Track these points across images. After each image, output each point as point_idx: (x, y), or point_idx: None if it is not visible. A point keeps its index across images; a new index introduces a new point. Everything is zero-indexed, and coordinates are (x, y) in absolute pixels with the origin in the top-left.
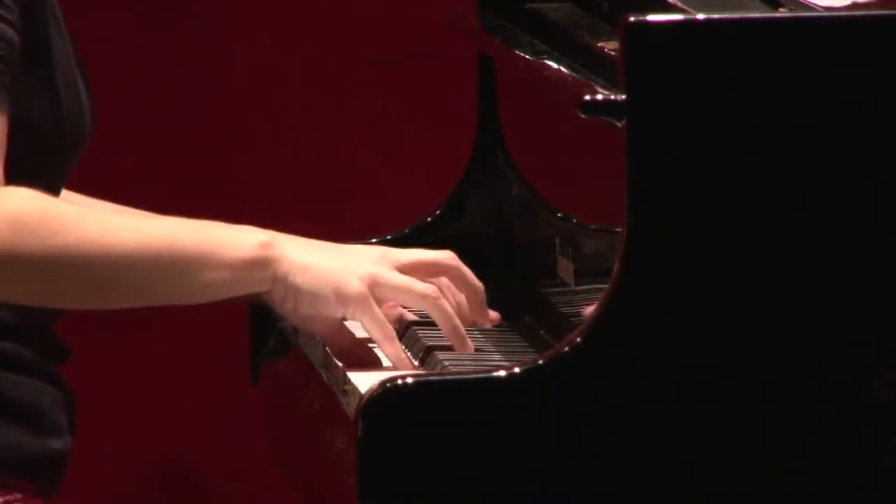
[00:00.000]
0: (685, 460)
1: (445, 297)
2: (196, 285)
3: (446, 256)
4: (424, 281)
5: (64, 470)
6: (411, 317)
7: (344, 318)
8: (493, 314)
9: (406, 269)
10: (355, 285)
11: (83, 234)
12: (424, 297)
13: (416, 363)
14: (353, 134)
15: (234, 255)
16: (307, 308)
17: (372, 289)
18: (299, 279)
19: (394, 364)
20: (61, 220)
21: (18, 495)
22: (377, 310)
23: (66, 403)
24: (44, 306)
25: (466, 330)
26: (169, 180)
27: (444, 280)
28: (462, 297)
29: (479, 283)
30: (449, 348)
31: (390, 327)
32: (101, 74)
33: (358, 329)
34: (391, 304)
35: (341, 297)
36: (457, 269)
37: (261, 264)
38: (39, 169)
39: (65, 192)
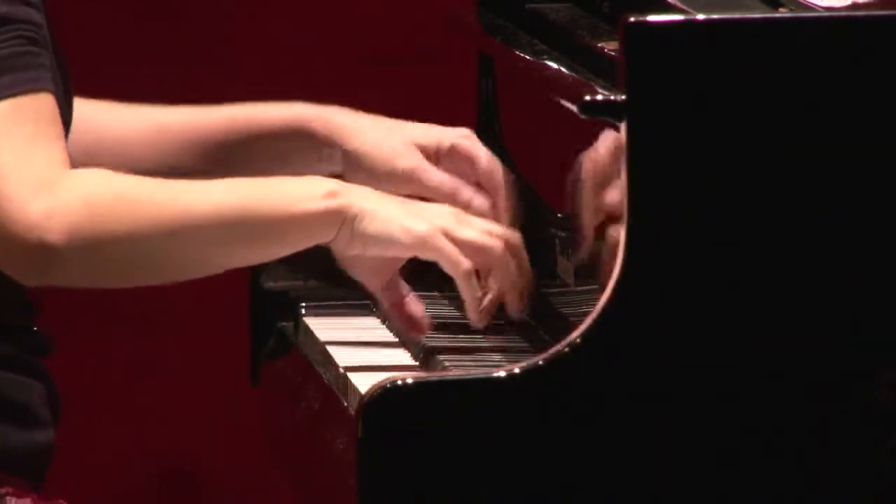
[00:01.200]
0: (685, 460)
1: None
2: (271, 246)
3: (513, 234)
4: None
5: (49, 463)
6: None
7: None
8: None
9: (484, 232)
10: (423, 224)
11: (155, 208)
12: (491, 252)
13: (484, 304)
14: None
15: (304, 211)
16: (376, 250)
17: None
18: (367, 223)
19: (468, 304)
20: (135, 197)
21: (10, 488)
22: (449, 245)
23: (49, 397)
24: (130, 285)
25: (465, 335)
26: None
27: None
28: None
29: (529, 270)
30: (449, 349)
31: (466, 262)
32: (101, 74)
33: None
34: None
35: (409, 233)
36: (518, 248)
37: (331, 215)
38: None
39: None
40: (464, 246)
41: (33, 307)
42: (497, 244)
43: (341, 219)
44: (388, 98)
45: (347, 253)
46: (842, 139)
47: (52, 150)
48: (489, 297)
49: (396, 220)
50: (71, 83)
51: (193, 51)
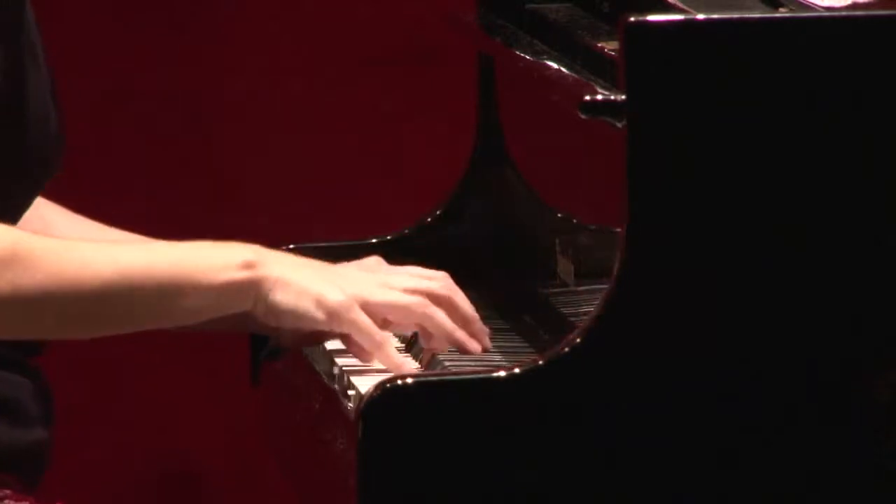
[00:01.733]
0: (685, 460)
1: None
2: (177, 311)
3: (438, 284)
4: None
5: (45, 462)
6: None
7: (330, 336)
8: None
9: (401, 290)
10: (337, 295)
11: (57, 270)
12: (411, 309)
13: (417, 365)
14: (353, 134)
15: (215, 279)
16: (291, 323)
17: (359, 306)
18: (280, 295)
19: (392, 371)
20: (32, 256)
21: (8, 491)
22: (363, 317)
23: (42, 395)
24: (24, 340)
25: None
26: (168, 180)
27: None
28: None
29: (473, 314)
30: (448, 349)
31: (380, 334)
32: (102, 74)
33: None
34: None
35: (322, 306)
36: (448, 298)
37: (244, 287)
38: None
39: (42, 201)
40: (382, 309)
41: None
42: (415, 300)
43: (255, 291)
44: (388, 98)
45: (270, 325)
46: (842, 139)
47: None
48: (424, 357)
49: (310, 292)
50: (62, 124)
51: (193, 50)
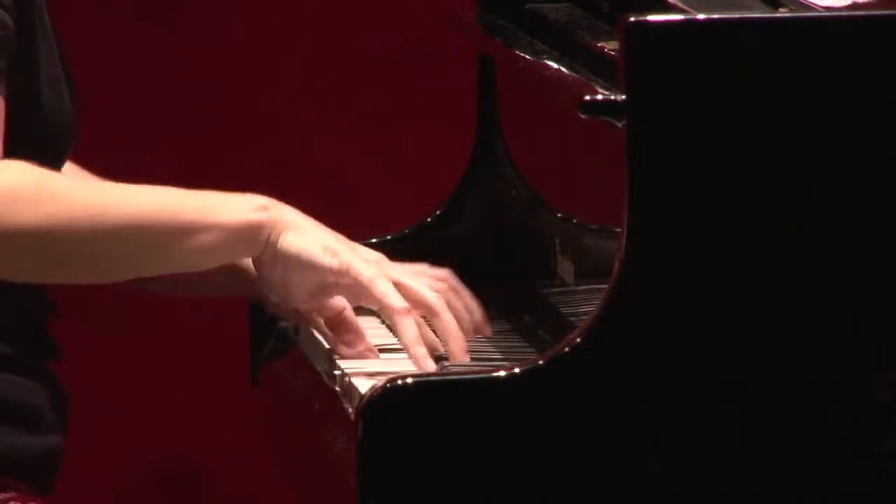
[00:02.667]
0: (685, 460)
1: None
2: (190, 250)
3: (443, 278)
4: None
5: (58, 467)
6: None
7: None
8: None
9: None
10: (350, 252)
11: (74, 203)
12: (412, 292)
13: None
14: (353, 134)
15: (229, 217)
16: (295, 271)
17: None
18: (290, 237)
19: (386, 304)
20: (53, 189)
21: (13, 493)
22: (371, 268)
23: (57, 401)
24: (41, 280)
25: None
26: (168, 180)
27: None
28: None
29: (475, 305)
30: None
31: (398, 298)
32: (102, 74)
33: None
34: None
35: (330, 251)
36: (454, 289)
37: (256, 227)
38: None
39: (68, 167)
40: (398, 279)
41: (55, 307)
42: (437, 275)
43: (266, 232)
44: (388, 98)
45: (271, 273)
46: (842, 139)
47: None
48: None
49: (320, 239)
50: (75, 92)
51: (193, 50)
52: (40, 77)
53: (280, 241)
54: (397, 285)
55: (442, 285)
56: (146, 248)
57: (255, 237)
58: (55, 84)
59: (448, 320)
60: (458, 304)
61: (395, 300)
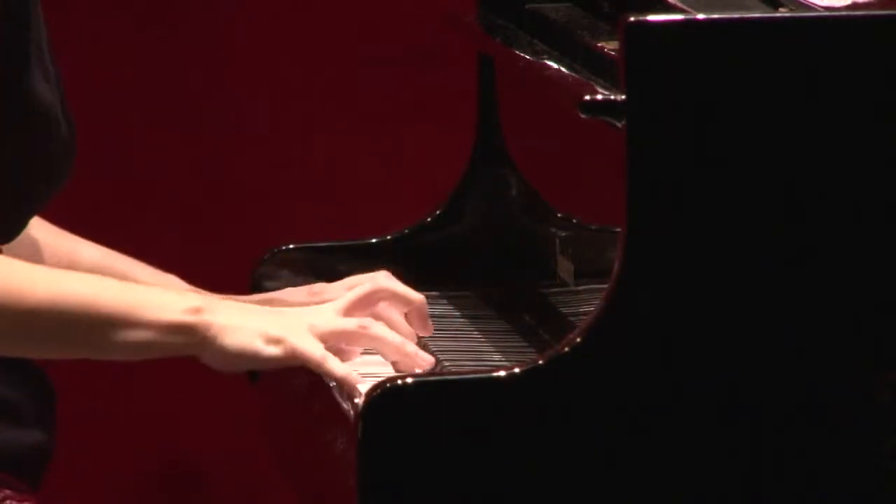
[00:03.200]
0: (685, 460)
1: (380, 320)
2: (115, 344)
3: (373, 283)
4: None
5: (46, 462)
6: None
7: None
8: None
9: (342, 314)
10: (281, 328)
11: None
12: (353, 334)
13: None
14: (353, 134)
15: (157, 316)
16: (244, 365)
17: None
18: (228, 340)
19: (342, 380)
20: None
21: (8, 491)
22: (309, 338)
23: (45, 397)
24: None
25: (465, 335)
26: (168, 181)
27: (381, 306)
28: (399, 317)
29: (417, 296)
30: (449, 349)
31: (321, 348)
32: (102, 74)
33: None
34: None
35: (272, 339)
36: (388, 290)
37: (187, 330)
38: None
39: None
40: (329, 337)
41: None
42: (367, 286)
43: (200, 336)
44: (388, 98)
45: (227, 371)
46: (842, 139)
47: None
48: (394, 340)
49: (260, 332)
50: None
51: (193, 51)
52: (31, 119)
53: (219, 344)
54: (330, 335)
55: (380, 304)
56: (68, 336)
57: (187, 339)
58: (52, 122)
59: (386, 336)
60: (391, 315)
61: (347, 375)
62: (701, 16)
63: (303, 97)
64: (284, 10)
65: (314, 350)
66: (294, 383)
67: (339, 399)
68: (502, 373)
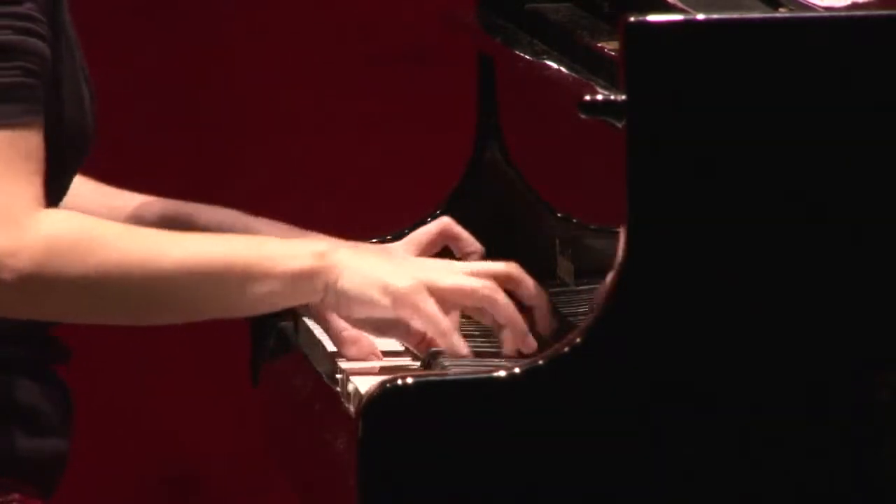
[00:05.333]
0: (684, 460)
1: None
2: (248, 299)
3: (508, 266)
4: None
5: (62, 470)
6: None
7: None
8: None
9: (470, 275)
10: (403, 280)
11: (125, 251)
12: (478, 292)
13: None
14: (353, 134)
15: (287, 266)
16: (358, 311)
17: (426, 291)
18: (348, 283)
19: (459, 355)
20: (100, 239)
21: (16, 495)
22: (429, 303)
23: (63, 404)
24: (87, 323)
25: (465, 335)
26: (168, 181)
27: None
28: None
29: (542, 293)
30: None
31: (446, 321)
32: (102, 75)
33: None
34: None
35: (388, 292)
36: (518, 277)
37: (313, 275)
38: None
39: (82, 180)
40: (449, 294)
41: None
42: (481, 283)
43: (324, 279)
44: (388, 98)
45: (341, 314)
46: (842, 139)
47: (22, 187)
48: (515, 312)
49: (376, 278)
50: (94, 100)
51: (193, 51)
52: (62, 90)
53: (338, 285)
54: (450, 291)
55: (484, 281)
56: (199, 297)
57: (312, 285)
58: (76, 95)
59: (506, 304)
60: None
61: (455, 339)
62: (701, 16)
63: (303, 97)
64: (284, 10)
65: (425, 307)
66: (295, 383)
67: (340, 399)
68: (502, 373)
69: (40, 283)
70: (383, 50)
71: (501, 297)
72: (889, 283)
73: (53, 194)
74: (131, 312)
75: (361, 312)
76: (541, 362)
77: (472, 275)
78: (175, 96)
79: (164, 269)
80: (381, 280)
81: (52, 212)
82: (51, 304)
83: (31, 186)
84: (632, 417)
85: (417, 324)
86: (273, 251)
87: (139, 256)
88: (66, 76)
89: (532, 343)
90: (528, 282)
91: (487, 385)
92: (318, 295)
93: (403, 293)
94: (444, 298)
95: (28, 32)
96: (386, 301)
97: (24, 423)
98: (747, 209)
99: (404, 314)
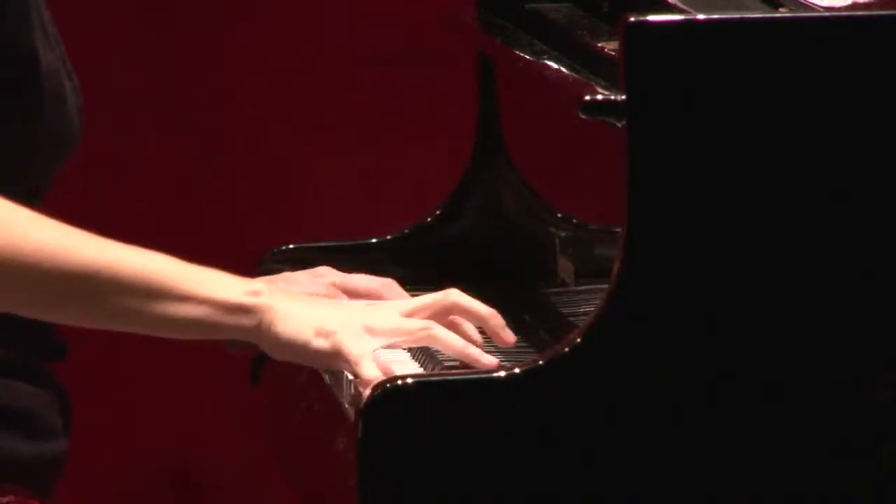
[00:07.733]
0: (684, 461)
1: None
2: (167, 317)
3: (445, 296)
4: None
5: (61, 471)
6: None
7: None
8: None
9: (405, 315)
10: (340, 326)
11: (39, 238)
12: (415, 334)
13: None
14: (353, 134)
15: (213, 293)
16: (293, 356)
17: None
18: (280, 326)
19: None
20: (13, 221)
21: (12, 497)
22: (359, 337)
23: (60, 405)
24: (45, 343)
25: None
26: (168, 181)
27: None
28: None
29: (488, 310)
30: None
31: (372, 369)
32: (102, 75)
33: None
34: None
35: (322, 332)
36: (458, 304)
37: (246, 311)
38: (18, 175)
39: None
40: (389, 336)
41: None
42: (417, 326)
43: (258, 319)
44: (388, 98)
45: (278, 358)
46: (842, 139)
47: None
48: (457, 340)
49: (312, 324)
50: (79, 96)
51: (192, 50)
52: (41, 91)
53: (273, 330)
54: (390, 332)
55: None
56: (111, 303)
57: (246, 320)
58: (56, 91)
59: (447, 337)
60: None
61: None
62: (701, 16)
63: (302, 97)
64: (284, 10)
65: (355, 350)
66: (295, 383)
67: (340, 399)
68: (502, 373)
69: None
70: (383, 50)
71: (441, 334)
72: (889, 284)
73: (30, 192)
74: (35, 305)
75: (297, 358)
76: (541, 362)
77: (410, 314)
78: (174, 95)
79: (82, 266)
80: (318, 324)
81: None
82: None
83: None
84: (632, 417)
85: (353, 370)
86: (201, 275)
87: (52, 247)
88: (45, 72)
89: (509, 338)
90: (472, 305)
91: (487, 385)
92: (252, 334)
93: (340, 339)
94: (381, 338)
95: None
96: (321, 345)
97: (23, 426)
98: (747, 209)
99: (336, 361)
